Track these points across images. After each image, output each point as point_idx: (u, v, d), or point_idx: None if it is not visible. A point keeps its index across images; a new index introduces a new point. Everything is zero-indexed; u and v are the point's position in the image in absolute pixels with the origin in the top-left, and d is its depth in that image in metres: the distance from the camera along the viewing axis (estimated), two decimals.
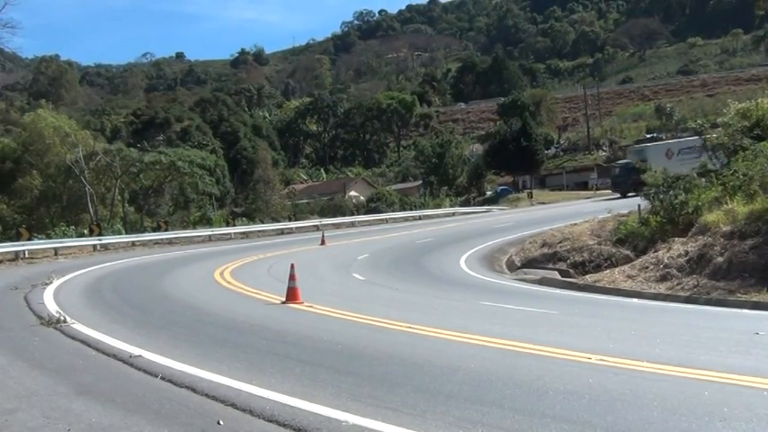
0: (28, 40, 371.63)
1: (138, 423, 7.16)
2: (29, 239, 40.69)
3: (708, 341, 11.52)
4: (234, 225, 61.02)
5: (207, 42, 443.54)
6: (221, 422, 7.06)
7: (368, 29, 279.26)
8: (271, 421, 7.07)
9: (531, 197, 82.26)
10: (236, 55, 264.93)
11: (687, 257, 20.87)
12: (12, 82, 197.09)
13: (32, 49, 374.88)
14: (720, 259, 19.44)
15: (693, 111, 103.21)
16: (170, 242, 46.33)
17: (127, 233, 49.95)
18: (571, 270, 26.37)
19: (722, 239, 20.36)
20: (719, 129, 32.93)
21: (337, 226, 61.09)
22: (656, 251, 23.09)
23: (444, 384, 8.51)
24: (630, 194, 53.63)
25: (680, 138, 77.87)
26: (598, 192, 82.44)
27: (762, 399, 7.59)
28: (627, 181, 63.77)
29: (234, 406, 7.66)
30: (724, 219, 21.52)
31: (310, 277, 22.67)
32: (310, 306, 16.08)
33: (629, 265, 23.57)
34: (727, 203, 22.63)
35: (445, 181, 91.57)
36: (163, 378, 9.11)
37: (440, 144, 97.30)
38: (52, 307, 16.26)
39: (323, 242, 40.97)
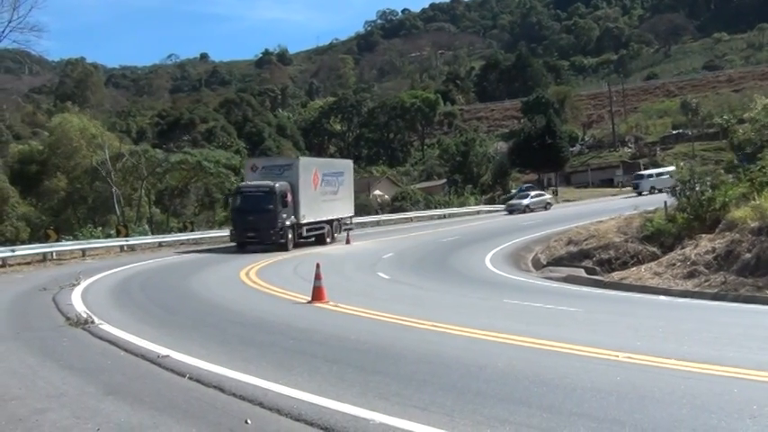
0: (54, 42, 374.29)
1: (166, 422, 7.21)
2: (57, 241, 40.96)
3: (736, 338, 11.44)
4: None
5: (231, 43, 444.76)
6: (249, 421, 7.08)
7: (391, 28, 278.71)
8: (298, 420, 7.10)
9: (557, 195, 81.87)
10: (260, 55, 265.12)
11: (714, 254, 20.72)
12: (38, 85, 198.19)
13: (58, 52, 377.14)
14: (748, 255, 19.30)
15: (719, 106, 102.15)
16: (196, 242, 46.49)
17: (153, 234, 50.14)
18: (597, 268, 26.28)
19: (750, 235, 20.20)
20: (746, 124, 32.69)
21: (362, 225, 61.00)
22: (683, 248, 22.95)
23: (471, 382, 8.50)
24: None
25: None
26: (623, 189, 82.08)
27: None
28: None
29: (261, 405, 7.69)
30: (751, 215, 21.35)
31: (336, 276, 22.69)
32: (336, 305, 16.11)
33: (656, 262, 23.45)
34: (754, 199, 22.47)
35: (470, 179, 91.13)
36: (191, 378, 9.15)
37: (464, 142, 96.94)
38: (80, 308, 16.36)
39: (348, 241, 41.01)
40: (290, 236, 37.24)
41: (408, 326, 13.28)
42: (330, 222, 42.10)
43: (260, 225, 36.55)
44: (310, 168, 41.09)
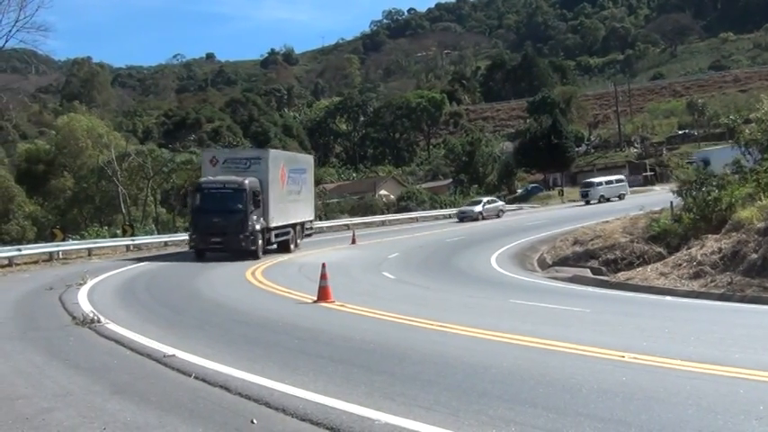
0: (61, 42, 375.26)
1: (172, 422, 7.22)
2: (63, 240, 41.03)
3: (742, 339, 11.43)
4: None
5: (237, 43, 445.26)
6: (255, 421, 7.09)
7: (397, 27, 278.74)
8: (304, 420, 7.10)
9: (563, 195, 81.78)
10: (266, 55, 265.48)
11: (721, 254, 20.69)
12: (45, 84, 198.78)
13: (65, 52, 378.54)
14: (755, 256, 19.26)
15: (726, 106, 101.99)
16: None
17: (159, 233, 50.19)
18: (603, 268, 26.25)
19: (756, 236, 20.17)
20: (753, 124, 32.60)
21: (368, 225, 61.03)
22: (689, 248, 22.91)
23: (477, 383, 8.50)
24: None
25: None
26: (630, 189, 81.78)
27: None
28: None
29: (267, 405, 7.69)
30: (758, 215, 21.32)
31: (341, 276, 22.68)
32: (342, 305, 16.12)
33: (662, 262, 23.41)
34: (760, 199, 22.45)
35: (475, 179, 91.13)
36: (196, 377, 9.16)
37: (470, 142, 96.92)
38: (86, 307, 16.38)
39: (353, 241, 40.97)
40: (260, 242, 32.40)
41: (414, 326, 13.28)
42: (294, 227, 37.24)
43: (227, 229, 31.52)
44: (279, 163, 36.03)
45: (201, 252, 32.64)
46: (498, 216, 61.22)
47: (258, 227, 32.22)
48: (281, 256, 32.55)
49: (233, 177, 32.80)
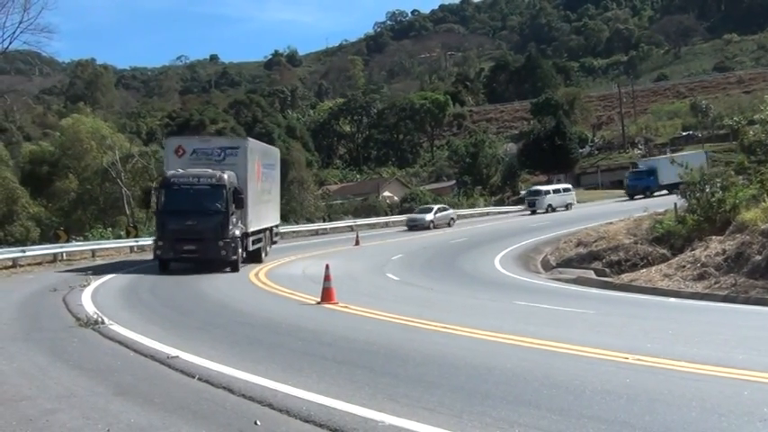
0: (64, 43, 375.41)
1: (176, 423, 7.22)
2: (67, 241, 41.06)
3: (746, 340, 11.41)
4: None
5: (240, 44, 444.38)
6: (258, 422, 7.09)
7: (400, 29, 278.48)
8: (307, 421, 7.10)
9: None
10: (270, 57, 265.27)
11: (725, 256, 20.68)
12: (49, 86, 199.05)
13: (69, 53, 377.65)
14: (759, 257, 19.24)
15: (730, 108, 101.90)
16: None
17: None
18: (607, 269, 26.23)
19: (760, 237, 20.15)
20: (756, 125, 32.61)
21: (371, 226, 61.09)
22: (693, 250, 22.91)
23: (480, 384, 8.50)
24: None
25: None
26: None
27: None
28: None
29: (271, 406, 7.69)
30: (762, 216, 21.31)
31: (345, 278, 22.72)
32: (345, 306, 16.13)
33: (666, 263, 23.40)
34: (764, 201, 22.44)
35: (479, 180, 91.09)
36: (200, 379, 9.17)
37: (473, 144, 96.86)
38: (90, 308, 16.40)
39: (357, 242, 41.03)
40: (240, 250, 27.19)
41: (418, 327, 13.29)
42: (265, 232, 32.37)
43: (204, 234, 26.23)
44: (255, 156, 30.90)
45: (166, 263, 27.26)
46: (449, 225, 56.47)
47: (238, 232, 27.15)
48: (282, 258, 32.51)
49: (209, 171, 27.52)
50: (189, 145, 30.25)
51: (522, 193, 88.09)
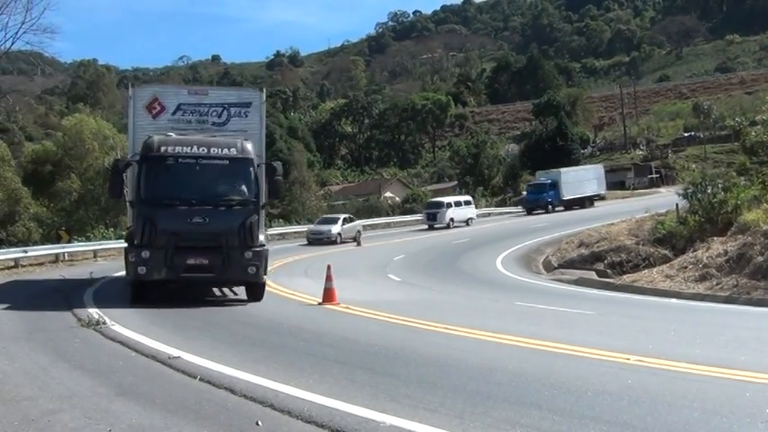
0: (67, 44, 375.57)
1: (177, 424, 7.21)
2: (69, 242, 41.08)
3: (748, 341, 11.41)
4: (270, 227, 61.11)
5: (242, 45, 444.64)
6: (260, 423, 7.08)
7: (402, 30, 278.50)
8: (309, 422, 7.08)
9: None
10: (272, 57, 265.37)
11: (726, 257, 20.68)
12: (51, 86, 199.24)
13: (71, 53, 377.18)
14: (760, 258, 19.23)
15: (732, 108, 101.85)
16: None
17: None
18: (609, 270, 26.26)
19: (762, 238, 20.14)
20: (758, 126, 32.62)
21: (373, 227, 61.04)
22: (694, 251, 22.92)
23: (482, 385, 8.49)
24: None
25: None
26: (635, 191, 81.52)
27: None
28: None
29: (272, 407, 7.68)
30: (764, 217, 21.32)
31: (347, 278, 22.70)
32: (347, 307, 16.12)
33: (668, 264, 23.41)
34: (766, 202, 22.42)
35: (481, 181, 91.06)
36: (201, 379, 9.15)
37: (475, 144, 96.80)
38: (92, 309, 16.36)
39: (359, 243, 40.99)
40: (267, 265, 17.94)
41: (419, 328, 13.29)
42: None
43: (221, 238, 16.76)
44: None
45: (149, 288, 17.71)
46: (356, 241, 45.84)
47: (263, 237, 17.76)
48: (284, 258, 32.48)
49: (221, 138, 18.16)
50: (170, 98, 19.91)
51: (525, 193, 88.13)
